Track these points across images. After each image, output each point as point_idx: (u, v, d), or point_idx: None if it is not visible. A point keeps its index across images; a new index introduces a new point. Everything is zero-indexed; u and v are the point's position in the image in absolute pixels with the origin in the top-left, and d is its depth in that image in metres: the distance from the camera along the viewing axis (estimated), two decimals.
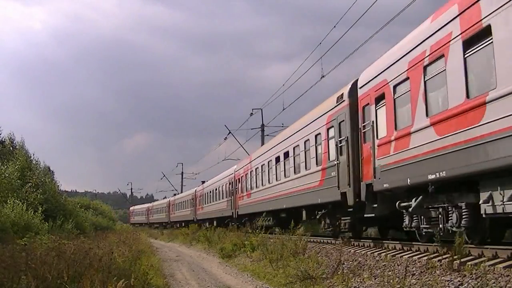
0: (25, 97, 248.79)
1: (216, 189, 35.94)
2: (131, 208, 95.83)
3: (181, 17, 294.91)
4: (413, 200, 10.12)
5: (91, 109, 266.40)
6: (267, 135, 35.42)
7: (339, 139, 13.81)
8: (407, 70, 9.97)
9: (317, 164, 15.91)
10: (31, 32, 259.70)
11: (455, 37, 8.32)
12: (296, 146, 18.18)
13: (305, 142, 17.15)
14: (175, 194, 63.98)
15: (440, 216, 9.48)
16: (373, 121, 11.77)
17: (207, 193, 39.16)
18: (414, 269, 8.42)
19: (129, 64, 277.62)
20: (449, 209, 9.13)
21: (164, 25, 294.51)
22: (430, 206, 9.86)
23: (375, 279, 8.79)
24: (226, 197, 32.38)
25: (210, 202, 37.98)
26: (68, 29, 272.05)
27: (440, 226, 9.44)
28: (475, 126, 7.69)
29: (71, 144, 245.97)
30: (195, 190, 45.83)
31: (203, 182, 44.25)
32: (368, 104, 12.16)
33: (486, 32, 7.50)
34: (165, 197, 76.27)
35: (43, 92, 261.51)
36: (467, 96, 7.98)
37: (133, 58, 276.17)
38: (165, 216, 61.20)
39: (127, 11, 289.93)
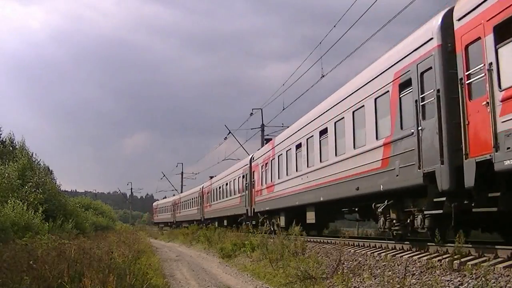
0: (23, 97, 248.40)
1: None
2: (154, 204, 78.90)
3: (180, 16, 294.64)
4: None
5: (90, 109, 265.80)
6: (267, 135, 35.34)
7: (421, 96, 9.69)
8: None
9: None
10: (29, 32, 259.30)
11: None
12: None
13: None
14: (212, 177, 40.56)
15: None
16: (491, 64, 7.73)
17: (280, 157, 20.50)
18: (414, 269, 8.43)
19: (128, 64, 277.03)
20: None
21: (163, 24, 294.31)
22: None
23: (375, 279, 8.79)
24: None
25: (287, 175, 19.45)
26: (66, 29, 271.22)
27: None
28: None
29: (70, 144, 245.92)
30: (251, 158, 25.95)
31: (269, 140, 26.28)
32: (476, 40, 8.15)
33: None
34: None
35: (42, 92, 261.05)
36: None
37: (132, 58, 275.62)
38: (197, 211, 44.09)
39: (126, 10, 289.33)
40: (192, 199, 48.05)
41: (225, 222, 32.42)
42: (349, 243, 13.65)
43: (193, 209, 47.11)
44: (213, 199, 37.14)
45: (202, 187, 42.61)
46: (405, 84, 10.25)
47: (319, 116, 15.69)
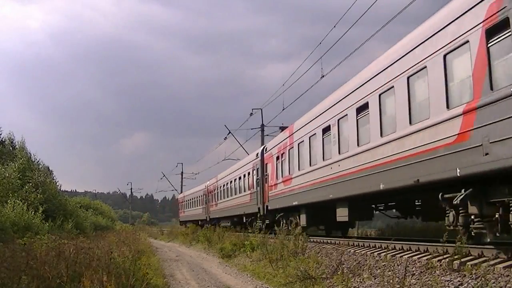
0: (22, 97, 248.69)
1: None
2: (180, 196, 58.67)
3: (180, 16, 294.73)
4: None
5: (89, 109, 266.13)
6: (267, 135, 35.14)
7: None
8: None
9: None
10: (28, 31, 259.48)
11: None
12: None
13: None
14: (282, 128, 24.46)
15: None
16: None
17: None
18: (414, 269, 8.42)
19: (127, 64, 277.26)
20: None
21: (163, 24, 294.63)
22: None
23: (375, 279, 8.79)
24: None
25: None
26: (65, 28, 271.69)
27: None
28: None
29: (70, 144, 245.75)
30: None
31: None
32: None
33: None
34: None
35: (41, 92, 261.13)
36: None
37: (131, 58, 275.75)
38: (250, 197, 25.31)
39: (125, 10, 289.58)
40: (239, 178, 28.17)
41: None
42: (349, 243, 13.64)
43: (241, 196, 27.50)
44: (292, 167, 18.47)
45: (264, 149, 23.67)
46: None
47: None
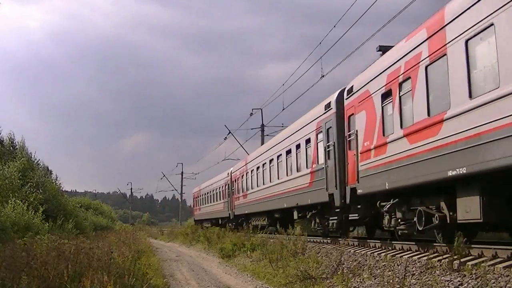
0: (21, 97, 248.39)
1: None
2: (195, 190, 46.92)
3: (179, 15, 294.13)
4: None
5: (89, 109, 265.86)
6: (267, 135, 35.15)
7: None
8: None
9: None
10: (27, 31, 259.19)
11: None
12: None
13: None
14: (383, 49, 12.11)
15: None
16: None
17: None
18: (414, 269, 8.42)
19: (126, 63, 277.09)
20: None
21: (162, 23, 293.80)
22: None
23: (375, 279, 8.79)
24: None
25: None
26: (64, 28, 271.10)
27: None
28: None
29: (70, 144, 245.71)
30: None
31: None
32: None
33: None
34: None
35: (40, 92, 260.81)
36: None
37: (130, 57, 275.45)
38: (308, 182, 16.30)
39: (124, 9, 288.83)
40: (287, 153, 19.36)
41: None
42: (349, 243, 13.65)
43: (289, 180, 18.72)
44: (439, 103, 8.82)
45: (344, 92, 13.98)
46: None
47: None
